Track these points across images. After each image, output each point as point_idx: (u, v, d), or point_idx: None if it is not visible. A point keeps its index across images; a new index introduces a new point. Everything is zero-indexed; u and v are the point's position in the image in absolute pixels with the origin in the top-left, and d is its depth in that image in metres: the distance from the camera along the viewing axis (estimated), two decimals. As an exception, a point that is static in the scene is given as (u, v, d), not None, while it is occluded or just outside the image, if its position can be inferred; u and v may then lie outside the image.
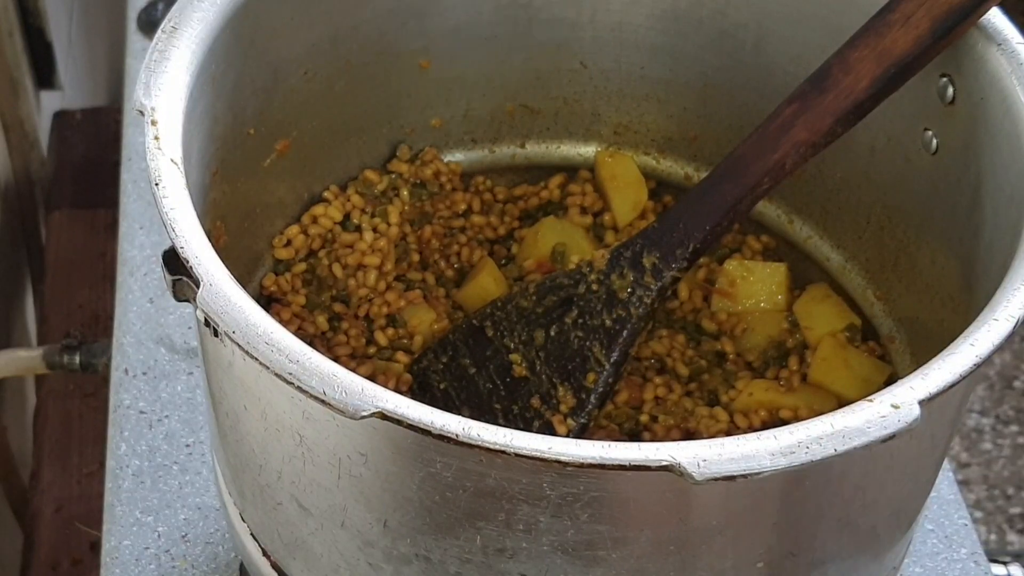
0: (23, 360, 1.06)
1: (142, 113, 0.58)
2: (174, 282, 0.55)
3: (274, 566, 0.65)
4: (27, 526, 1.11)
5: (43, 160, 1.42)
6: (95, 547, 0.90)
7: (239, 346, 0.51)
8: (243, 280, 0.72)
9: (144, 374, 0.88)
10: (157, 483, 0.83)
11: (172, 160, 0.57)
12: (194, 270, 0.53)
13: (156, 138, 0.57)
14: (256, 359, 0.51)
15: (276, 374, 0.50)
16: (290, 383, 0.50)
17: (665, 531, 0.53)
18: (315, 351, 0.51)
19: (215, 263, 0.54)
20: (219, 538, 0.81)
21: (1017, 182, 0.62)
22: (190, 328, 0.91)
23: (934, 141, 0.70)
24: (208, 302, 0.52)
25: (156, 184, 0.56)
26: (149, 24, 1.13)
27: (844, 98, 0.65)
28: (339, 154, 0.79)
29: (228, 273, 0.54)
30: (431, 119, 0.81)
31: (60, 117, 1.41)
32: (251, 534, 0.66)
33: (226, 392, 0.60)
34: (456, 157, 0.83)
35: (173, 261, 0.55)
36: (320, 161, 0.77)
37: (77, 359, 1.03)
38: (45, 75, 1.45)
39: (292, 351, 0.51)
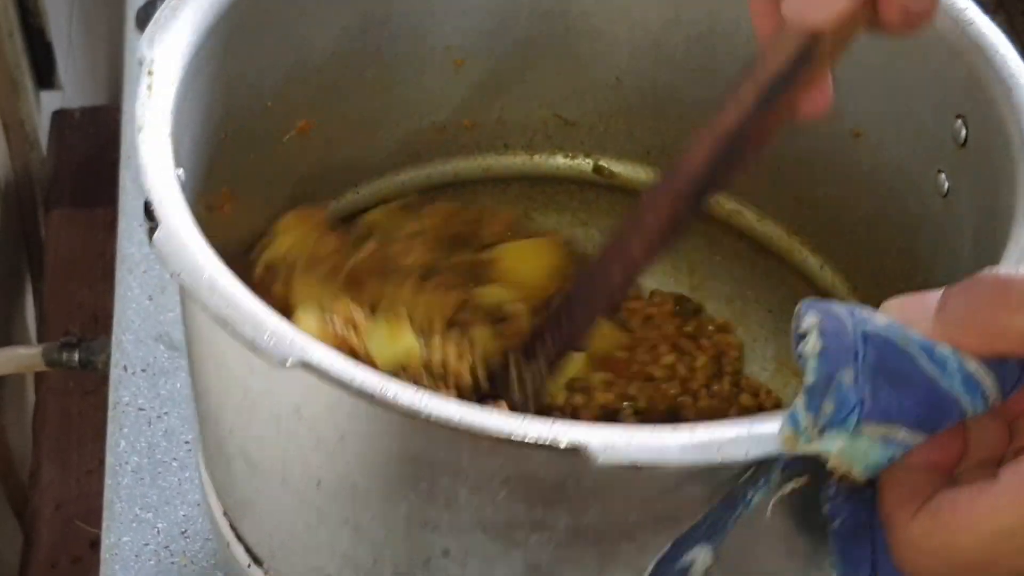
0: (22, 358, 1.04)
1: (141, 63, 0.60)
2: (150, 229, 0.57)
3: (231, 527, 0.66)
4: (27, 524, 1.11)
5: (43, 159, 1.42)
6: (95, 545, 0.88)
7: (184, 288, 0.52)
8: (246, 250, 0.73)
9: (143, 371, 0.88)
10: (156, 480, 0.83)
11: (161, 111, 0.58)
12: (155, 212, 0.54)
13: (149, 87, 0.59)
14: (198, 300, 0.52)
15: (212, 316, 0.51)
16: (223, 327, 0.51)
17: (583, 519, 0.52)
18: (257, 299, 0.52)
19: (177, 207, 0.54)
20: (219, 534, 0.81)
21: (1012, 228, 0.61)
22: (189, 325, 0.91)
23: (946, 184, 0.69)
24: (162, 242, 0.53)
25: (139, 130, 0.57)
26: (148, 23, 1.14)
27: (684, 179, 0.64)
28: (366, 144, 0.80)
29: (191, 219, 0.54)
30: (463, 118, 0.82)
31: (60, 116, 1.41)
32: (215, 492, 0.67)
33: (194, 349, 0.61)
34: (487, 162, 0.84)
35: (149, 207, 0.56)
36: (344, 147, 0.78)
37: (76, 357, 1.02)
38: (45, 75, 1.45)
39: (232, 296, 0.51)
